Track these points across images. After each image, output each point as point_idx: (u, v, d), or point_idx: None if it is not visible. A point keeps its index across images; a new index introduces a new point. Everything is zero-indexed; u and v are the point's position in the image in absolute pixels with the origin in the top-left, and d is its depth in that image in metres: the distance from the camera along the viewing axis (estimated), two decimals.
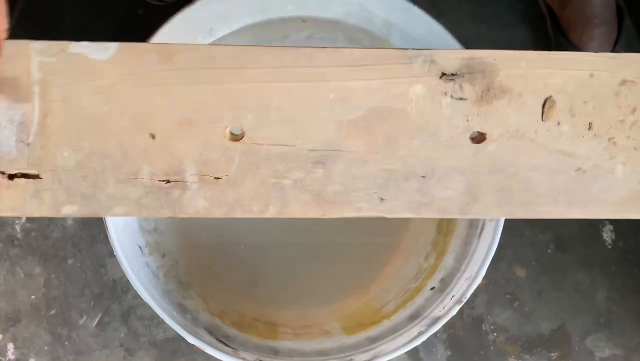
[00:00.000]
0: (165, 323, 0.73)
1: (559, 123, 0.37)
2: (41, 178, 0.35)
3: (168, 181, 0.35)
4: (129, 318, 0.73)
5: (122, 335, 0.73)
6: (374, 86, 0.35)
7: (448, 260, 0.52)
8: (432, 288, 0.51)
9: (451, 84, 0.36)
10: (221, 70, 0.35)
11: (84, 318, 0.73)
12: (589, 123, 0.37)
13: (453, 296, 0.46)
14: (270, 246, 0.67)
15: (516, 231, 0.79)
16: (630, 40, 0.84)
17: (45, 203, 0.35)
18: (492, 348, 0.77)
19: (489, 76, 0.36)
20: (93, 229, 0.75)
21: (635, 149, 0.37)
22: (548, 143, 0.37)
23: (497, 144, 0.36)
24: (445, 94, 0.36)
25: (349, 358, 0.45)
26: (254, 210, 0.35)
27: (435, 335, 0.76)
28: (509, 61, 0.37)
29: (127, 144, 0.35)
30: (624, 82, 0.37)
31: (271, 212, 0.35)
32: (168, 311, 0.43)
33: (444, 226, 0.57)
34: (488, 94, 0.37)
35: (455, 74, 0.36)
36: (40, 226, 0.74)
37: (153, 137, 0.35)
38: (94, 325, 0.73)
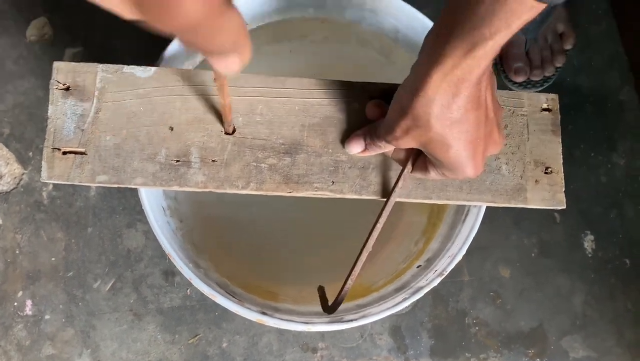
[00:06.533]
0: (172, 292, 0.80)
1: None
2: (86, 154, 0.46)
3: (178, 161, 0.46)
4: (139, 286, 0.79)
5: (131, 301, 0.79)
6: (325, 102, 0.48)
7: (435, 244, 0.58)
8: (419, 266, 0.57)
9: None
10: None
11: (98, 282, 0.79)
12: None
13: (436, 270, 0.52)
14: (276, 226, 0.74)
15: (503, 234, 0.85)
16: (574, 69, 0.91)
17: (85, 172, 0.46)
18: (473, 341, 0.82)
19: None
20: (113, 202, 0.81)
21: (512, 153, 0.48)
22: None
23: None
24: None
25: (339, 317, 0.51)
26: (238, 186, 0.46)
27: (420, 323, 0.82)
28: None
29: (152, 133, 0.46)
30: None
31: (251, 188, 0.46)
32: (185, 263, 0.49)
33: (434, 217, 0.63)
34: None
35: (380, 98, 0.47)
36: (66, 195, 0.81)
37: (171, 129, 0.47)
38: (107, 289, 0.79)
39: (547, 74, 0.87)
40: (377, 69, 0.66)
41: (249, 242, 0.71)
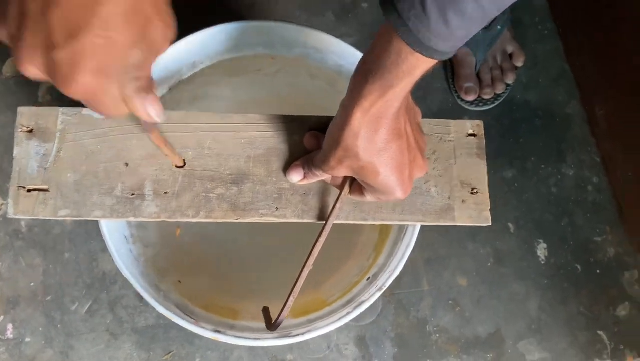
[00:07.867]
0: (146, 312, 0.84)
1: None
2: (48, 190, 0.50)
3: (132, 194, 0.50)
4: (115, 307, 0.84)
5: (107, 321, 0.83)
6: (268, 135, 0.52)
7: (381, 259, 0.63)
8: (367, 279, 0.61)
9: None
10: (174, 125, 0.52)
11: (76, 304, 0.83)
12: None
13: (377, 285, 0.56)
14: (241, 246, 0.78)
15: (460, 244, 0.90)
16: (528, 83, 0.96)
17: (48, 207, 0.50)
18: (434, 347, 0.87)
19: None
20: (88, 227, 0.85)
21: (440, 176, 0.53)
22: None
23: None
24: None
25: (288, 332, 0.55)
26: (189, 214, 0.50)
27: (383, 332, 0.86)
28: None
29: (109, 169, 0.51)
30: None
31: (201, 216, 0.50)
32: (144, 287, 0.53)
33: (383, 232, 0.68)
34: None
35: (318, 129, 0.51)
36: (42, 222, 0.85)
37: (127, 165, 0.51)
38: (84, 311, 0.83)
39: (497, 92, 0.92)
40: (325, 97, 0.71)
41: (212, 264, 0.75)
